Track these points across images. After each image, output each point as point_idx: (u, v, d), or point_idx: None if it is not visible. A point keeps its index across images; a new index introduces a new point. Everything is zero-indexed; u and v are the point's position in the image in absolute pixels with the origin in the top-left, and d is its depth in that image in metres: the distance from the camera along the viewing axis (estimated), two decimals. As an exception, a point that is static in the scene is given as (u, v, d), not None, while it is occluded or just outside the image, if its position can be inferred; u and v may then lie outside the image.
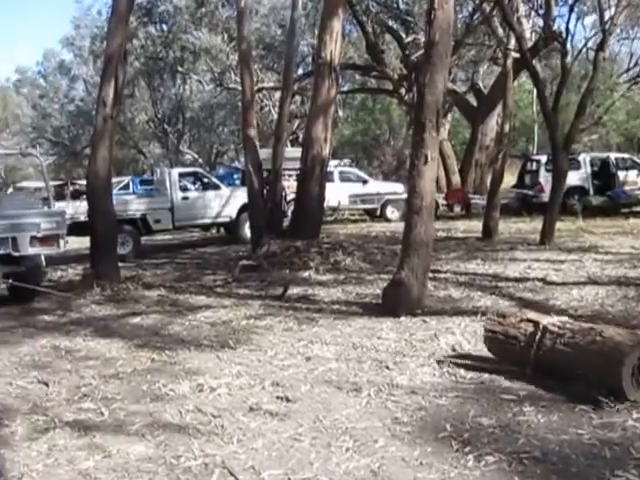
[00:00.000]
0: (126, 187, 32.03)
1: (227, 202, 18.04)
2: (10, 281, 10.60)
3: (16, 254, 10.50)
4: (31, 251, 10.61)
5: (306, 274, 12.15)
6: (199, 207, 17.89)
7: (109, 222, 12.38)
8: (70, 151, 51.68)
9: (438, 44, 8.49)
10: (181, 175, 18.69)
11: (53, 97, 55.14)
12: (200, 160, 45.76)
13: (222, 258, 15.27)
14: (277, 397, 5.91)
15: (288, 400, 5.81)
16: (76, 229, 16.15)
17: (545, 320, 6.08)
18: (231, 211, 18.08)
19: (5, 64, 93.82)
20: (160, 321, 9.26)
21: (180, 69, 30.31)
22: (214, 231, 20.44)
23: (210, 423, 5.35)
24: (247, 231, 17.42)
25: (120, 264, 13.03)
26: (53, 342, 8.26)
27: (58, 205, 17.13)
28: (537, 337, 5.95)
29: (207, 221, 18.41)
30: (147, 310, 9.95)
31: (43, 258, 11.26)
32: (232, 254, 15.78)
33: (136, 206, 17.43)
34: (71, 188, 45.59)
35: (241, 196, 17.59)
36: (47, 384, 6.58)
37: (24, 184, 62.77)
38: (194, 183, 19.75)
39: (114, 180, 29.11)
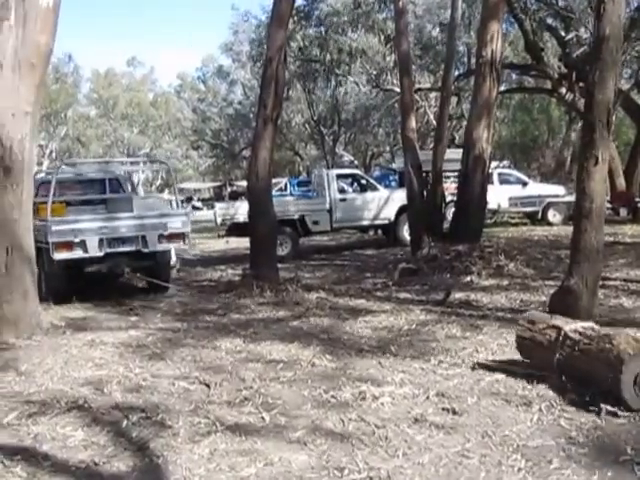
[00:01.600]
0: (284, 189, 32.75)
1: (385, 204, 17.80)
2: (137, 274, 11.99)
3: (145, 250, 11.73)
4: (159, 248, 11.90)
5: (468, 279, 11.78)
6: (357, 209, 17.76)
7: (270, 223, 12.45)
8: (228, 153, 53.28)
9: (608, 39, 7.90)
10: (339, 176, 18.66)
11: (212, 101, 56.98)
12: (355, 162, 45.89)
13: (380, 261, 15.06)
14: (442, 409, 5.64)
15: (454, 412, 5.53)
16: (235, 229, 16.53)
17: (568, 326, 6.12)
18: (389, 213, 17.83)
19: (167, 70, 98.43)
20: (320, 324, 9.14)
21: (337, 71, 30.33)
22: (371, 233, 20.23)
23: (374, 434, 5.14)
24: (405, 234, 17.20)
25: (278, 265, 13.08)
26: (214, 343, 8.30)
27: (219, 206, 17.76)
28: (559, 343, 6.06)
29: (365, 223, 18.23)
30: (307, 313, 9.86)
31: (173, 254, 12.81)
32: (390, 257, 15.55)
33: (295, 207, 17.55)
34: (229, 189, 47.22)
35: (399, 198, 17.32)
36: (208, 385, 6.57)
37: (184, 185, 65.67)
38: (352, 184, 19.68)
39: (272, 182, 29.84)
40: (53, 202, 11.76)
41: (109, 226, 11.69)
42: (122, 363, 7.59)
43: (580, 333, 5.98)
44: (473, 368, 6.73)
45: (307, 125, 48.07)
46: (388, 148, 49.22)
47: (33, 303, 9.16)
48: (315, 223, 17.36)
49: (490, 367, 6.67)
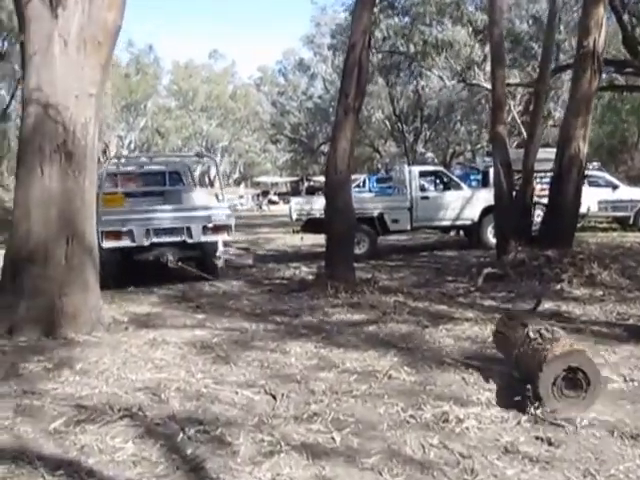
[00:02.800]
0: (362, 185, 32.02)
1: (469, 203, 16.80)
2: (180, 264, 12.50)
3: (190, 241, 12.34)
4: (203, 239, 12.44)
5: (558, 287, 10.85)
6: (439, 208, 16.78)
7: (347, 220, 11.71)
8: (307, 148, 53.02)
9: None
10: (421, 173, 17.69)
11: (292, 95, 56.80)
12: (435, 160, 44.93)
13: (463, 264, 14.15)
14: (536, 437, 4.93)
15: (550, 443, 4.80)
16: (311, 225, 15.88)
17: (532, 326, 6.05)
18: (473, 213, 16.81)
19: (248, 62, 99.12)
20: (398, 331, 8.41)
21: (422, 64, 29.34)
22: (452, 234, 19.28)
23: (458, 464, 4.50)
24: (489, 235, 16.30)
25: (355, 264, 12.38)
26: (283, 347, 7.67)
27: (294, 201, 17.13)
28: (520, 341, 6.05)
29: (447, 223, 17.22)
30: (383, 317, 9.13)
31: (221, 246, 13.49)
32: (473, 260, 14.62)
33: (374, 204, 16.72)
34: (306, 184, 46.83)
35: (484, 198, 16.40)
36: (274, 396, 5.97)
37: (261, 179, 65.73)
38: (434, 182, 18.75)
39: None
40: (112, 193, 12.99)
41: (155, 217, 12.46)
42: (184, 366, 7.05)
43: (540, 334, 5.90)
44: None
45: (387, 121, 47.31)
46: (469, 147, 48.05)
47: (94, 297, 8.68)
48: (394, 222, 16.48)
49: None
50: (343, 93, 11.45)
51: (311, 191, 37.58)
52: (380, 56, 29.89)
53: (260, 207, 45.84)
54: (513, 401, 5.51)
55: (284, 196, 47.11)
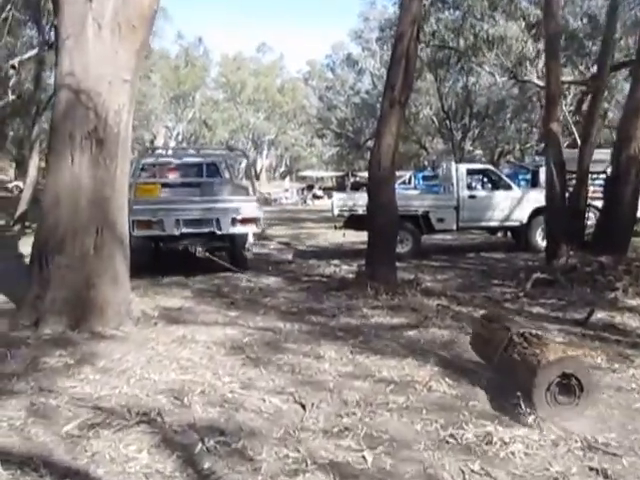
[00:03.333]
0: (407, 182, 31.41)
1: (518, 204, 16.03)
2: (207, 254, 12.59)
3: (219, 232, 12.50)
4: (232, 230, 12.60)
5: (612, 296, 10.17)
6: (487, 208, 16.04)
7: (390, 217, 11.21)
8: (353, 143, 52.58)
9: None
10: (469, 171, 17.00)
11: (339, 89, 56.39)
12: (483, 158, 44.09)
13: (510, 267, 13.48)
14: (590, 468, 4.44)
15: (606, 476, 4.32)
16: (353, 222, 15.39)
17: (515, 330, 5.97)
18: (522, 214, 16.03)
19: (296, 56, 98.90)
20: (439, 338, 7.92)
21: (472, 59, 28.50)
22: (499, 235, 18.54)
23: None
24: (538, 238, 15.65)
25: (397, 263, 11.89)
26: (318, 350, 7.24)
27: (337, 196, 16.65)
28: (503, 344, 5.91)
29: (494, 224, 16.45)
30: (425, 322, 8.63)
31: (250, 238, 13.90)
32: (521, 263, 13.96)
33: (419, 202, 16.07)
34: (352, 180, 46.33)
35: (534, 198, 15.70)
36: (304, 406, 5.57)
37: (306, 173, 65.42)
38: (482, 181, 18.05)
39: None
40: (148, 183, 13.55)
41: (186, 208, 12.72)
42: (211, 367, 6.68)
43: (525, 338, 5.81)
44: (628, 413, 5.44)
45: (435, 118, 46.58)
46: (518, 146, 47.03)
47: (123, 289, 8.35)
48: (440, 221, 15.84)
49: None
50: (389, 85, 10.92)
51: (356, 187, 36.98)
52: (429, 51, 29.17)
53: (304, 201, 45.48)
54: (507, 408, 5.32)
55: (329, 191, 46.58)
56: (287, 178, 69.91)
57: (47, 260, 7.98)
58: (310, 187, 51.98)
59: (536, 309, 9.51)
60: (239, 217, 12.52)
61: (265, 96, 69.01)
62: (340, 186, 48.00)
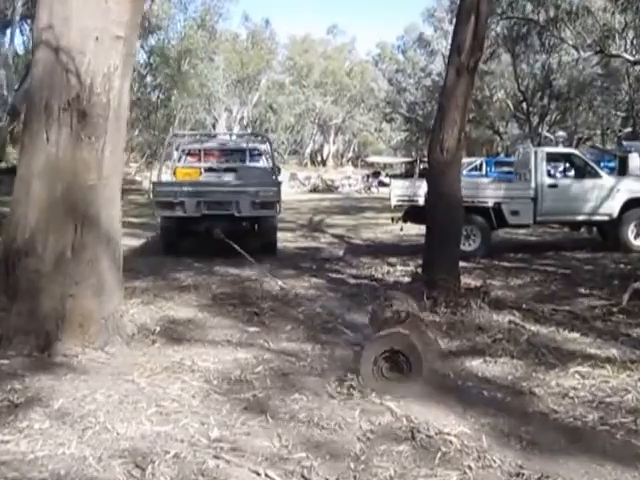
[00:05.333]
0: (478, 169, 29.02)
1: (608, 195, 13.61)
2: (222, 236, 12.13)
3: (237, 215, 12.86)
4: (251, 213, 12.93)
5: None
6: (570, 199, 13.54)
7: (453, 210, 9.21)
8: (422, 127, 50.51)
9: None
10: (550, 156, 14.49)
11: (410, 72, 54.42)
12: (560, 145, 41.38)
13: (598, 271, 11.31)
14: None
15: None
16: (413, 214, 13.41)
17: (396, 306, 6.53)
18: (612, 207, 13.51)
19: (367, 39, 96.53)
20: (509, 372, 6.06)
21: (554, 33, 25.84)
22: (582, 230, 16.05)
23: None
24: (631, 236, 13.39)
25: (462, 263, 9.95)
26: (348, 389, 5.42)
27: (395, 184, 14.62)
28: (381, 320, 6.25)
29: (578, 218, 13.99)
30: (492, 347, 6.72)
31: (276, 222, 13.72)
32: (612, 267, 11.77)
33: (490, 192, 13.74)
34: (421, 166, 44.19)
35: (628, 189, 13.45)
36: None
37: (374, 159, 63.52)
38: (565, 168, 15.62)
39: (464, 160, 26.11)
40: (189, 167, 14.67)
41: (207, 190, 13.15)
42: (200, 413, 4.99)
43: (398, 314, 6.19)
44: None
45: (509, 101, 44.08)
46: (599, 131, 44.15)
47: (111, 300, 6.64)
48: (514, 214, 13.46)
49: None
50: (455, 48, 8.91)
51: (424, 173, 34.78)
52: (504, 25, 26.68)
53: (369, 189, 43.42)
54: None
55: (397, 178, 44.52)
56: (350, 165, 67.94)
57: (14, 263, 6.34)
58: (376, 174, 49.83)
59: (636, 330, 7.47)
60: (258, 200, 12.78)
61: (332, 79, 67.19)
62: (408, 173, 45.73)
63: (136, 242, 16.23)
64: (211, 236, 12.72)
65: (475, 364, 6.25)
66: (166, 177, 15.56)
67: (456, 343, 6.96)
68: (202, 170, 14.92)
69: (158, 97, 42.51)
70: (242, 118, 60.64)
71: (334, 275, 11.17)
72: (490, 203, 13.41)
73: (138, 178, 38.49)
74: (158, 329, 7.27)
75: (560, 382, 5.72)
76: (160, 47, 42.28)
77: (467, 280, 9.70)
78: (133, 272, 10.95)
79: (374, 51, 69.66)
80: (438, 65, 50.94)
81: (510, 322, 7.69)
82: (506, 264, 12.31)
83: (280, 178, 14.55)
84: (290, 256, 13.60)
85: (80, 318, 6.38)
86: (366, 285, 10.13)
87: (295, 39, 68.44)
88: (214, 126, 55.19)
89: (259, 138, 18.52)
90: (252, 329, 7.43)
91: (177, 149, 15.55)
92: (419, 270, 9.90)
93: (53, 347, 6.20)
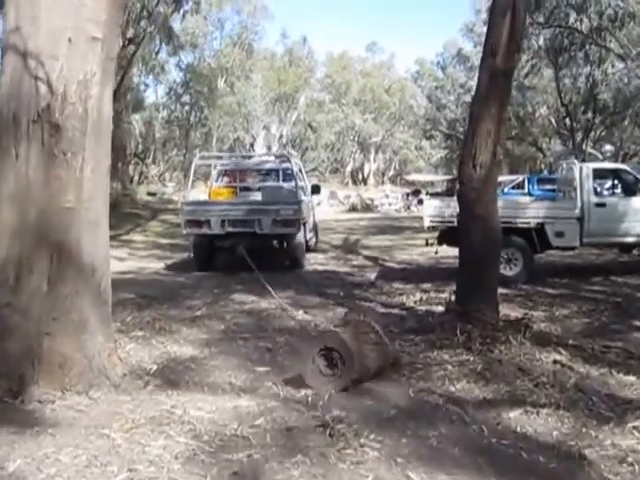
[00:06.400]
0: (519, 187, 27.78)
1: (660, 214, 12.49)
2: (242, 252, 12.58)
3: (259, 232, 13.59)
4: (273, 231, 13.67)
5: None
6: (620, 218, 12.34)
7: (490, 233, 8.23)
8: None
9: None
10: (597, 173, 13.23)
11: (450, 89, 53.53)
12: (606, 161, 39.96)
13: (654, 299, 10.31)
14: None
15: None
16: (449, 236, 12.41)
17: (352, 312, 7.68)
18: (665, 228, 12.48)
19: (406, 55, 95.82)
20: (556, 428, 5.10)
21: (599, 41, 24.49)
22: (635, 252, 14.76)
23: None
24: (686, 260, 12.24)
25: (501, 290, 8.99)
26: (354, 454, 4.55)
27: (428, 203, 13.57)
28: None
29: (629, 239, 12.70)
30: (536, 394, 5.78)
31: (302, 240, 14.38)
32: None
33: (532, 212, 12.57)
34: (461, 184, 43.04)
35: (684, 208, 12.31)
36: None
37: (414, 177, 62.55)
38: (613, 185, 14.40)
39: (503, 178, 24.94)
40: (224, 187, 16.07)
41: (232, 209, 14.04)
42: (177, 483, 4.13)
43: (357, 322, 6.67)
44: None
45: (551, 117, 42.85)
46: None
47: (96, 337, 5.84)
48: (559, 235, 12.26)
49: None
50: (488, 49, 7.95)
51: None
52: (546, 35, 25.49)
53: (408, 207, 42.41)
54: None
55: (437, 196, 43.37)
56: (388, 183, 66.95)
57: (-17, 298, 5.60)
58: (416, 192, 48.78)
59: None
60: (279, 218, 13.49)
61: (372, 97, 66.40)
62: (449, 191, 44.53)
63: (159, 265, 15.61)
64: (235, 253, 13.21)
65: (514, 416, 5.31)
66: (196, 196, 16.90)
67: (492, 388, 6.02)
68: (237, 190, 16.10)
69: (195, 116, 42.11)
70: (281, 136, 60.16)
71: (362, 303, 10.26)
72: (532, 224, 12.35)
73: (175, 197, 38.04)
74: (155, 368, 6.45)
75: (616, 441, 4.77)
76: (196, 65, 41.96)
77: (506, 310, 8.71)
78: (146, 299, 10.28)
79: (413, 68, 68.99)
80: (478, 81, 50.02)
81: (555, 362, 6.72)
82: (550, 291, 11.22)
83: (319, 197, 16.74)
84: (318, 280, 12.75)
85: (59, 358, 5.61)
86: (395, 316, 9.20)
87: (333, 56, 67.82)
88: (252, 145, 54.77)
89: (283, 158, 18.40)
90: (261, 369, 6.58)
91: (233, 170, 16.94)
92: (453, 298, 8.98)
93: (27, 392, 5.43)
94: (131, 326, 8.10)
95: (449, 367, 6.59)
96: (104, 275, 5.94)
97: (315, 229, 18.11)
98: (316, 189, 17.53)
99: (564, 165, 14.93)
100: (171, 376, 6.26)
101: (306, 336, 7.86)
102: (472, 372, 6.43)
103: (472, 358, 6.84)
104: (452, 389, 6.03)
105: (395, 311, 9.58)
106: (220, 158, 19.79)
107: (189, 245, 14.89)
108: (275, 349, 7.33)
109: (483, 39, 8.69)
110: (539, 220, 12.37)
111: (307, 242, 15.73)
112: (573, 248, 13.14)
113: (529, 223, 12.32)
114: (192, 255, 14.54)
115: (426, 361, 6.81)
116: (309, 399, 5.62)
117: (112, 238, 19.45)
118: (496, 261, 8.62)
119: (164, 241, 21.46)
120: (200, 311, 9.28)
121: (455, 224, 11.88)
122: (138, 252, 18.11)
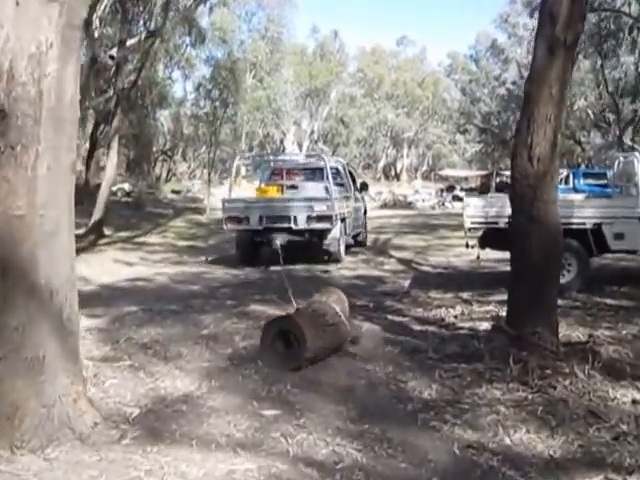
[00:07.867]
0: (564, 182, 26.18)
1: None
2: (279, 246, 13.93)
3: (295, 227, 14.42)
4: (307, 226, 14.45)
5: None
6: None
7: (549, 238, 6.90)
8: (498, 139, 47.95)
9: None
10: None
11: (484, 82, 52.06)
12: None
13: None
14: None
15: None
16: (492, 239, 11.06)
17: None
18: None
19: (438, 48, 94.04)
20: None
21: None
22: None
23: None
24: None
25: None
26: None
27: (468, 201, 12.08)
28: None
29: None
30: (616, 451, 4.51)
31: (337, 235, 14.89)
32: None
33: (587, 211, 11.09)
34: (497, 179, 41.41)
35: None
36: None
37: (447, 172, 61.05)
38: None
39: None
40: (271, 185, 16.50)
41: (269, 206, 14.91)
42: None
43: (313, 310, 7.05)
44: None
45: (589, 110, 41.18)
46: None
47: (57, 379, 4.64)
48: (618, 237, 10.70)
49: None
50: (546, 16, 6.58)
51: (501, 187, 31.98)
52: (592, 21, 23.87)
53: (442, 204, 40.91)
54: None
55: (473, 192, 41.75)
56: (419, 179, 65.35)
57: None
58: (450, 188, 47.26)
59: None
60: (313, 214, 14.30)
61: (404, 91, 64.93)
62: (484, 187, 42.81)
63: (173, 270, 14.45)
64: (271, 247, 14.33)
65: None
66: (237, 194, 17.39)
67: (560, 441, 4.72)
68: (283, 187, 16.42)
69: (224, 111, 40.90)
70: (312, 132, 58.94)
71: (394, 317, 8.91)
72: (588, 224, 10.89)
73: (200, 196, 36.99)
74: (136, 413, 5.21)
75: None
76: (224, 60, 40.82)
77: (564, 330, 7.35)
78: (149, 313, 9.06)
79: (445, 61, 67.58)
80: (513, 73, 48.37)
81: (635, 402, 5.39)
82: (610, 301, 9.74)
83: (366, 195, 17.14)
84: (345, 288, 11.35)
85: (8, 408, 4.43)
86: (433, 334, 7.86)
87: (364, 50, 66.52)
88: (282, 141, 53.64)
89: (317, 157, 19.69)
90: (269, 412, 5.29)
91: (281, 169, 17.55)
92: (501, 313, 7.66)
93: (-33, 450, 4.26)
94: (121, 351, 6.89)
95: (502, 409, 5.30)
96: (67, 299, 4.72)
97: (364, 225, 18.89)
98: (364, 186, 19.34)
99: (620, 158, 13.37)
100: (155, 424, 5.02)
101: (328, 361, 6.60)
102: (532, 416, 5.15)
103: (530, 396, 5.54)
104: (508, 441, 4.76)
105: (432, 328, 8.21)
106: (262, 157, 21.58)
107: (206, 248, 16.27)
108: (285, 384, 6.02)
109: (517, 30, 7.38)
110: (596, 220, 10.86)
111: (356, 237, 17.46)
112: (635, 252, 11.60)
113: (584, 224, 10.85)
114: (236, 250, 15.45)
115: (473, 400, 5.53)
116: (325, 460, 4.36)
117: (126, 240, 18.67)
118: (557, 273, 7.26)
119: (181, 243, 20.38)
120: (207, 329, 7.99)
121: (500, 225, 10.59)
122: (151, 256, 16.97)
